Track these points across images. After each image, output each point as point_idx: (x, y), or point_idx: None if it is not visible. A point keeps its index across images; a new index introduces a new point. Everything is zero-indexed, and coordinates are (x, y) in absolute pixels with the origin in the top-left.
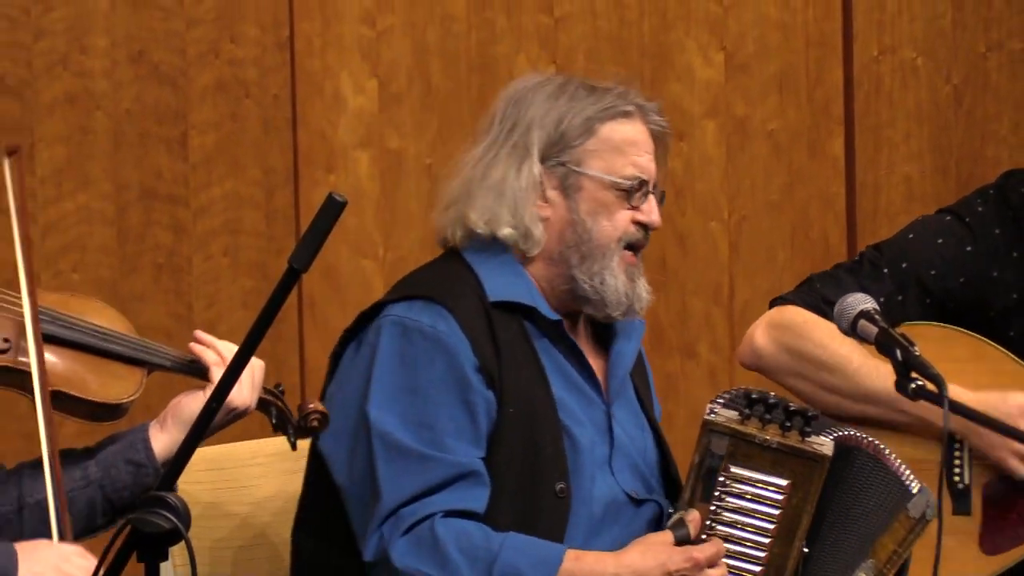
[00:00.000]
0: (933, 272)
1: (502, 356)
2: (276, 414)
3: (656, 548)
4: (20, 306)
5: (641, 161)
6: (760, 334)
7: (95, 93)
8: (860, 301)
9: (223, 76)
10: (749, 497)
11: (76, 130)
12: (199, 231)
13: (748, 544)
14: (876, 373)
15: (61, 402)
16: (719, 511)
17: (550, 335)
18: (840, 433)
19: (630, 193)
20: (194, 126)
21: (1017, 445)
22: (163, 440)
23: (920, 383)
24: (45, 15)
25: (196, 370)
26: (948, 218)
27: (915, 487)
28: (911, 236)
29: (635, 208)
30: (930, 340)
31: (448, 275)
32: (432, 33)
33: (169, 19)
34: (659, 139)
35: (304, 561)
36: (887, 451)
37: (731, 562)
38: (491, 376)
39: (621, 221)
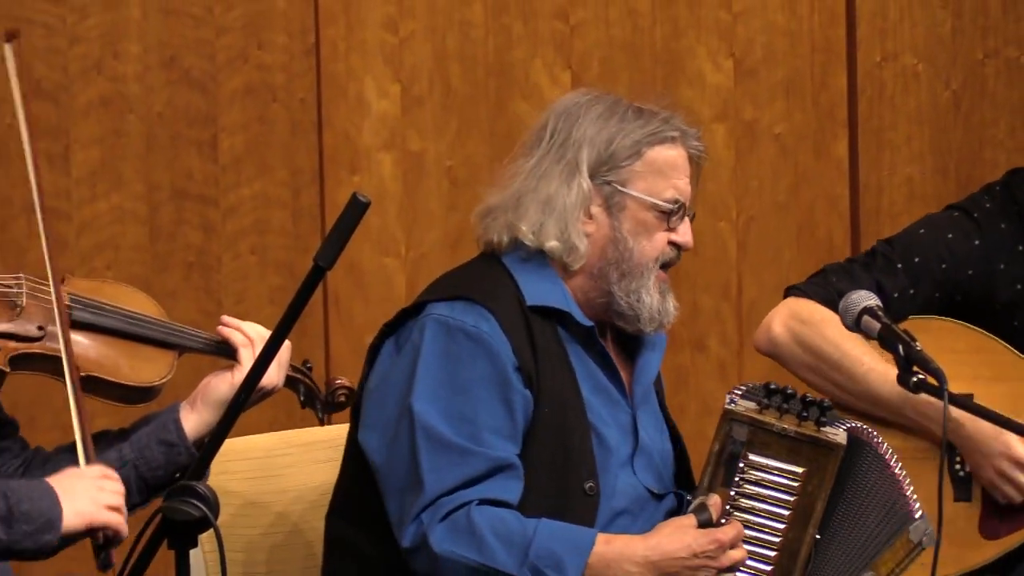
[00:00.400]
0: (943, 265)
1: (539, 358)
2: (304, 391)
3: (682, 531)
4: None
5: (681, 184)
6: (777, 324)
7: (128, 97)
8: (864, 298)
9: (251, 81)
10: (766, 484)
11: (110, 133)
12: (228, 230)
13: (764, 529)
14: (884, 378)
15: (95, 386)
16: (737, 496)
17: (582, 341)
18: (851, 425)
19: (669, 215)
20: (223, 129)
21: (1003, 465)
22: (193, 420)
23: (921, 377)
24: (80, 22)
25: (224, 351)
26: (956, 214)
27: (918, 512)
28: (921, 231)
29: (672, 229)
30: (932, 332)
31: (488, 277)
32: (452, 39)
33: (199, 26)
34: (695, 163)
35: (337, 546)
36: (895, 462)
37: (748, 547)
38: (529, 376)
39: (659, 241)
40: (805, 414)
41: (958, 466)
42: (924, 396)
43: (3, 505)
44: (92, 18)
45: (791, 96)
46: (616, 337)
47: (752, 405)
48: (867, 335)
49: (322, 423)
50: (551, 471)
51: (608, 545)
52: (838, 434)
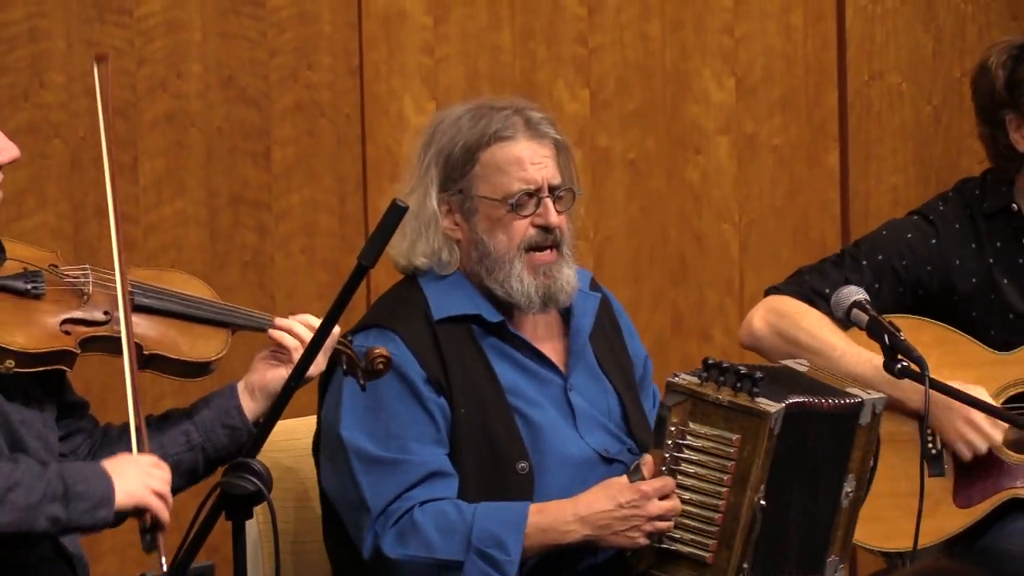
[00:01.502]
0: (904, 262)
1: (448, 366)
2: (346, 361)
3: (608, 487)
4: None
5: (528, 174)
6: (758, 320)
7: (190, 113)
8: (853, 293)
9: (301, 98)
10: (707, 451)
11: (174, 145)
12: (280, 232)
13: (708, 492)
14: (856, 360)
15: (157, 363)
16: (672, 459)
17: (498, 333)
18: (794, 400)
19: (521, 205)
20: (276, 141)
21: (970, 435)
22: (252, 408)
23: (904, 364)
24: (147, 46)
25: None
26: (916, 217)
27: (856, 400)
28: (884, 233)
29: (532, 215)
30: (901, 328)
31: (400, 302)
32: (483, 62)
33: (254, 49)
34: (557, 146)
35: (337, 564)
36: (827, 400)
37: (694, 508)
38: (440, 385)
39: (518, 230)
40: (739, 385)
41: (931, 444)
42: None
43: (60, 486)
44: (157, 41)
45: (787, 112)
46: (555, 315)
47: (694, 379)
48: (855, 325)
49: (363, 389)
50: (482, 461)
51: (541, 514)
52: (770, 404)
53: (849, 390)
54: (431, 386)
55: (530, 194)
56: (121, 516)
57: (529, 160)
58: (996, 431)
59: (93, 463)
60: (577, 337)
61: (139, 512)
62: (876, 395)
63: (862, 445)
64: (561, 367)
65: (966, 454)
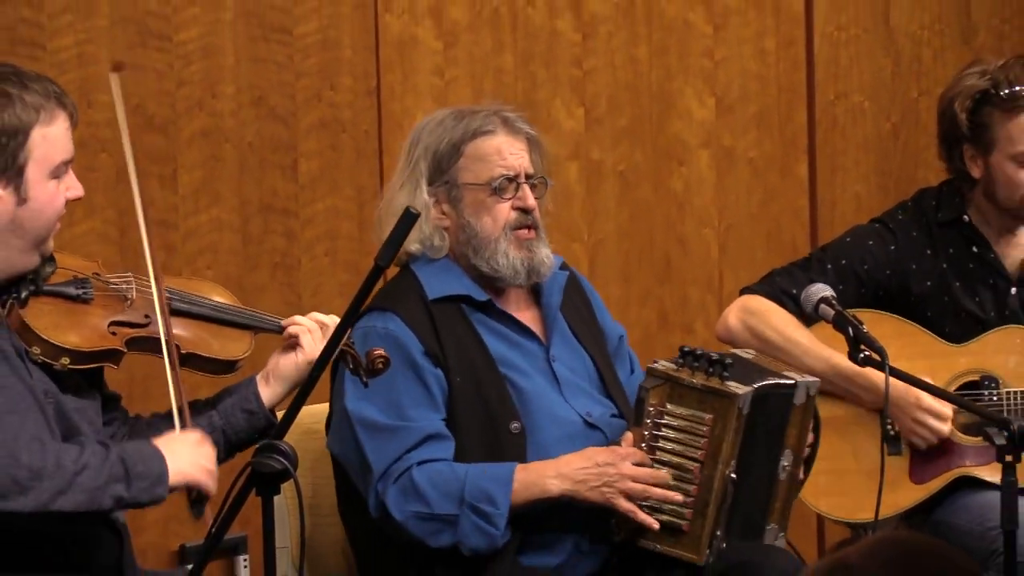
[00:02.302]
0: (866, 267)
1: (443, 340)
2: (351, 360)
3: (588, 450)
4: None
5: (507, 163)
6: (732, 317)
7: (224, 129)
8: (821, 290)
9: (325, 116)
10: (683, 429)
11: (209, 158)
12: (306, 237)
13: (684, 467)
14: (817, 357)
15: (192, 361)
16: (657, 439)
17: (485, 311)
18: (764, 383)
19: (503, 189)
20: (302, 155)
21: (915, 413)
22: (267, 393)
23: (867, 353)
24: (185, 68)
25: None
26: (877, 225)
27: (789, 382)
28: (848, 240)
29: (512, 198)
30: (864, 321)
31: (397, 287)
32: (488, 82)
33: (282, 72)
34: (531, 141)
35: (351, 529)
36: (765, 381)
37: (674, 483)
38: (436, 357)
39: (502, 212)
40: (711, 370)
41: (889, 426)
42: (850, 368)
43: (121, 468)
44: (195, 65)
45: (761, 128)
46: (531, 292)
47: (671, 365)
48: (823, 319)
49: (366, 386)
50: (478, 424)
51: (526, 471)
52: (739, 386)
53: (786, 373)
54: (428, 359)
55: (509, 179)
56: (171, 491)
57: (507, 150)
58: (945, 425)
59: (148, 444)
60: (548, 310)
61: (188, 487)
62: (810, 379)
63: (797, 423)
64: (541, 338)
65: (931, 439)
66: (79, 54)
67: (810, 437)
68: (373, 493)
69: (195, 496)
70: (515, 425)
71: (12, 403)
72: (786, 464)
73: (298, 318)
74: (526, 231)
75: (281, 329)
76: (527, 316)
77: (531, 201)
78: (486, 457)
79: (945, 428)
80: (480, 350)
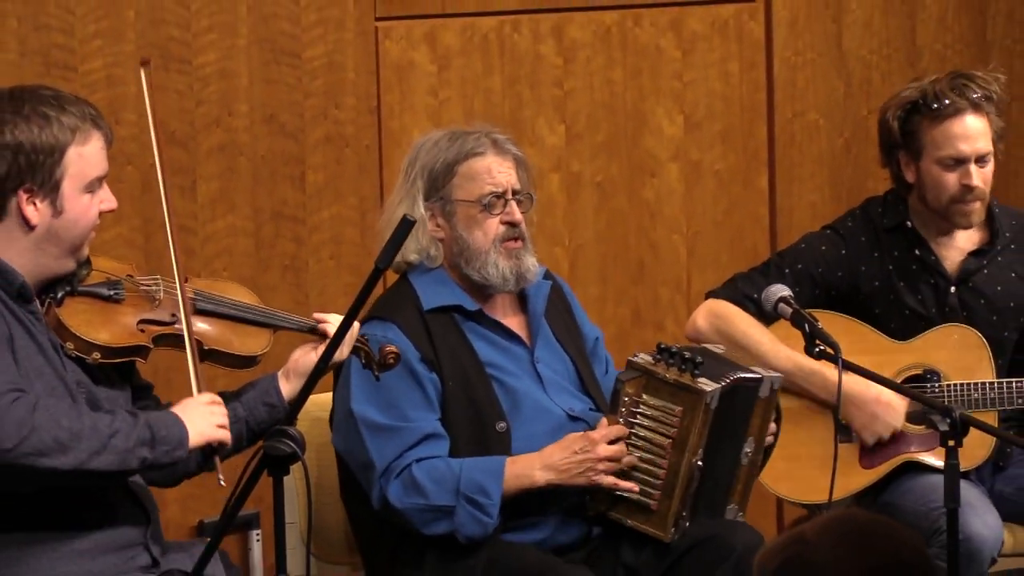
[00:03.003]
0: (820, 270)
1: (437, 347)
2: (364, 356)
3: (565, 440)
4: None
5: (496, 180)
6: (700, 320)
7: (239, 144)
8: (780, 290)
9: (330, 132)
10: (657, 418)
11: (225, 170)
12: (313, 242)
13: (654, 453)
14: (777, 356)
15: (214, 356)
16: (632, 425)
17: (476, 319)
18: (735, 377)
19: (492, 205)
20: (310, 168)
21: (875, 409)
22: (287, 388)
23: (822, 347)
24: (204, 89)
25: (307, 329)
26: (828, 232)
27: (756, 376)
28: (803, 246)
29: (500, 214)
30: (819, 319)
31: (395, 296)
32: (478, 102)
33: (292, 92)
34: (517, 161)
35: (352, 514)
36: (734, 376)
37: (643, 465)
38: (431, 363)
39: (492, 226)
40: (683, 367)
41: (843, 417)
42: (807, 366)
43: (148, 433)
44: (212, 86)
45: (726, 143)
46: (518, 300)
47: (649, 359)
48: (782, 316)
49: (378, 379)
50: (468, 423)
51: (514, 464)
52: (708, 383)
53: (754, 368)
54: (424, 365)
55: (498, 196)
56: (193, 451)
57: (496, 169)
58: (898, 419)
59: (168, 412)
60: (534, 317)
61: (206, 444)
62: (774, 374)
63: (760, 414)
64: (526, 342)
65: (870, 441)
66: (108, 76)
67: (772, 427)
68: (376, 488)
69: (209, 450)
70: (501, 425)
71: (50, 388)
72: (748, 451)
73: (325, 315)
74: (513, 242)
75: (300, 329)
76: (514, 322)
77: (517, 216)
78: (475, 453)
79: (898, 423)
80: (471, 356)
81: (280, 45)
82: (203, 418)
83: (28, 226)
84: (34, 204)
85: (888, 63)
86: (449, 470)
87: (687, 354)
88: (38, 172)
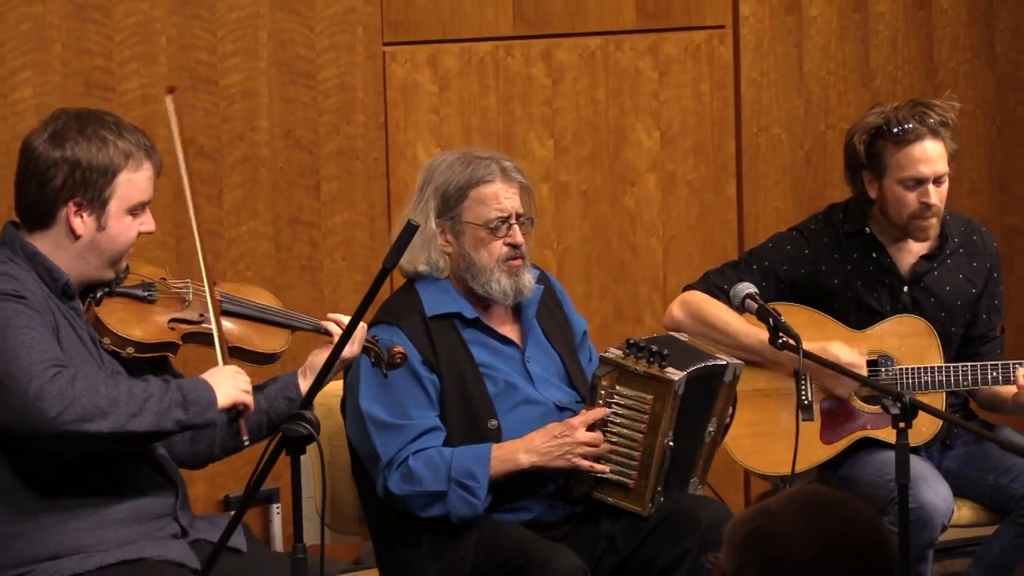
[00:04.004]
0: (784, 267)
1: (437, 351)
2: (373, 355)
3: (547, 427)
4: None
5: (502, 206)
6: (676, 309)
7: (261, 157)
8: (746, 287)
9: (342, 146)
10: (629, 407)
11: (248, 180)
12: (327, 244)
13: (630, 437)
14: (747, 335)
15: (238, 353)
16: (610, 414)
17: (474, 325)
18: (700, 366)
19: (497, 229)
20: (324, 178)
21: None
22: (305, 383)
23: (784, 339)
24: (228, 107)
25: (322, 331)
26: (794, 232)
27: (722, 363)
28: (770, 245)
29: (504, 236)
30: (781, 312)
31: (401, 302)
32: (474, 119)
33: (307, 110)
34: (522, 187)
35: (362, 492)
36: (705, 363)
37: (621, 448)
38: (431, 365)
39: (496, 248)
40: (651, 359)
41: (804, 397)
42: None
43: (180, 396)
44: (236, 104)
45: (698, 155)
46: (514, 306)
47: (620, 353)
48: (747, 311)
49: (386, 377)
50: (463, 421)
51: (500, 450)
52: (675, 372)
53: (718, 355)
54: (426, 366)
55: (503, 220)
56: (221, 411)
57: (503, 195)
58: (861, 370)
59: (197, 377)
60: (526, 321)
61: (233, 407)
62: (737, 361)
63: (724, 396)
64: (519, 343)
65: (844, 395)
66: (142, 95)
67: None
68: (380, 478)
69: (234, 414)
70: (493, 423)
71: (89, 369)
72: (711, 430)
73: (336, 316)
74: (515, 260)
75: (316, 330)
76: (508, 328)
77: (519, 239)
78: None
79: (859, 359)
80: (468, 359)
81: (297, 68)
82: (230, 382)
83: (74, 236)
84: (81, 217)
85: (844, 83)
86: (441, 458)
87: (654, 347)
88: (89, 188)
